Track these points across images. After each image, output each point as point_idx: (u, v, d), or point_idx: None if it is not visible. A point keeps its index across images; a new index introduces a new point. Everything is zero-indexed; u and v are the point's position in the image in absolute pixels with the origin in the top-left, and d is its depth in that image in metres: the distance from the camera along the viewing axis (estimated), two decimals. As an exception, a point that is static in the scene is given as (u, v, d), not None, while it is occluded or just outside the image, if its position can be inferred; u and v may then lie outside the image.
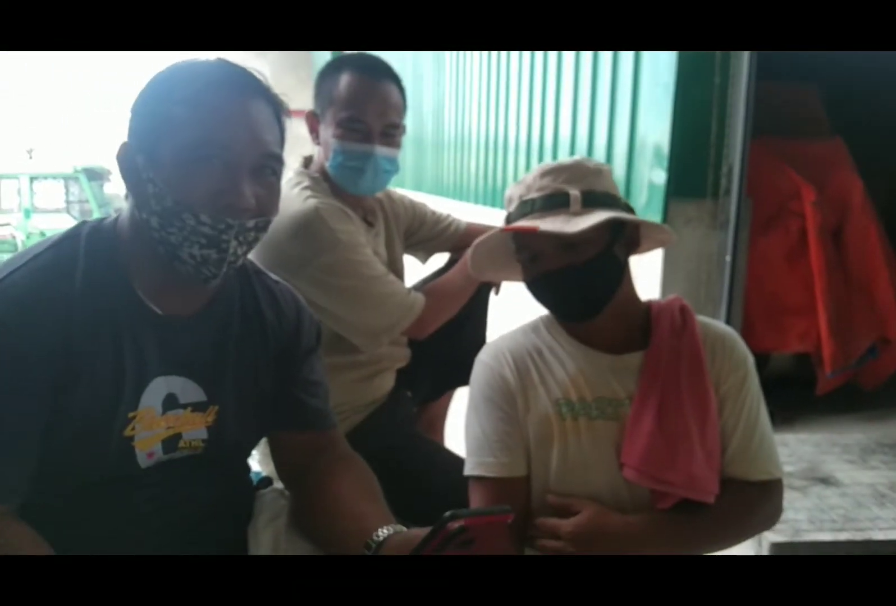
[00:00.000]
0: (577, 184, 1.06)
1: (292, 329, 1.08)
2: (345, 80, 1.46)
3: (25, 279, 0.85)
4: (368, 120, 1.45)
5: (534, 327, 1.19)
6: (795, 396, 3.08)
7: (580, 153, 3.40)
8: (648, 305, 1.17)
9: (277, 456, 1.10)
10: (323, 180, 1.52)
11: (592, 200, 1.05)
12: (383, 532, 0.90)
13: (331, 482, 1.02)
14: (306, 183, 1.48)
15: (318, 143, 1.53)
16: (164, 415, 0.94)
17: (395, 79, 1.51)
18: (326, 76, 1.50)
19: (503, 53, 4.37)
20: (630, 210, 1.11)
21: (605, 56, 3.12)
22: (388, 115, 1.48)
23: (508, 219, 1.11)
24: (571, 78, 3.44)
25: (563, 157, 3.59)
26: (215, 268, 0.90)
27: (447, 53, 5.61)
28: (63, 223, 8.61)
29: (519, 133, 4.12)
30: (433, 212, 1.80)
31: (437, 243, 1.82)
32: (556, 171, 1.08)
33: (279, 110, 0.94)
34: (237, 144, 0.87)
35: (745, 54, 2.68)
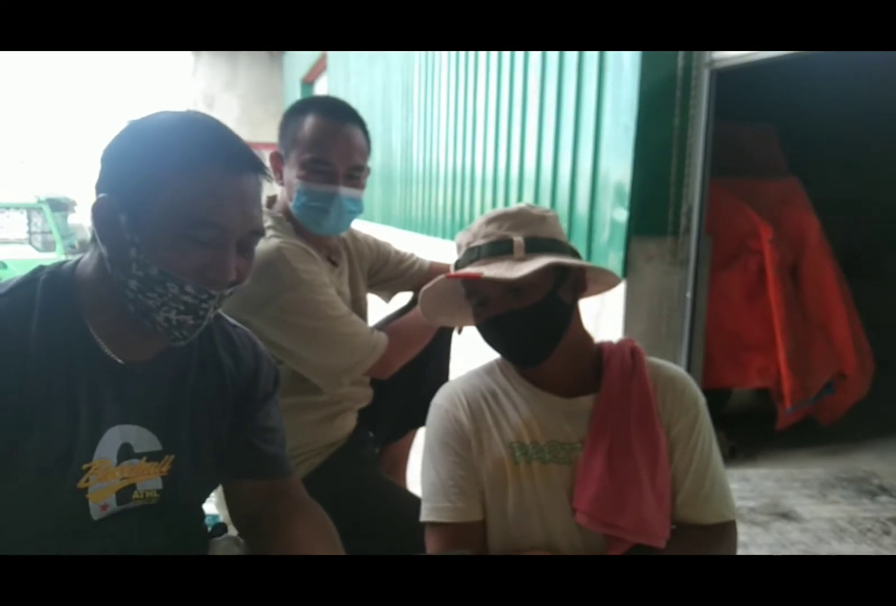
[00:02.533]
0: (521, 231, 1.09)
1: (250, 374, 1.07)
2: (310, 122, 1.48)
3: None
4: (333, 161, 1.47)
5: (489, 369, 1.20)
6: (756, 431, 3.12)
7: (545, 189, 3.46)
8: (600, 347, 1.19)
9: (232, 503, 1.08)
10: (286, 220, 1.52)
11: (536, 246, 1.08)
12: None
13: (287, 529, 1.01)
14: (269, 222, 1.48)
15: (282, 184, 1.54)
16: (118, 466, 0.92)
17: (360, 122, 1.53)
18: (291, 118, 1.51)
19: (470, 90, 4.45)
20: (576, 254, 1.13)
21: (569, 98, 3.20)
22: (353, 157, 1.49)
23: (457, 266, 1.13)
24: (536, 118, 3.51)
25: (517, 202, 3.64)
26: (189, 332, 0.91)
27: (416, 91, 5.70)
28: (25, 253, 8.48)
29: (485, 169, 4.18)
30: (397, 252, 1.81)
31: (401, 282, 1.83)
32: (500, 219, 1.11)
33: (264, 180, 0.94)
34: (230, 224, 0.87)
35: (704, 95, 2.76)
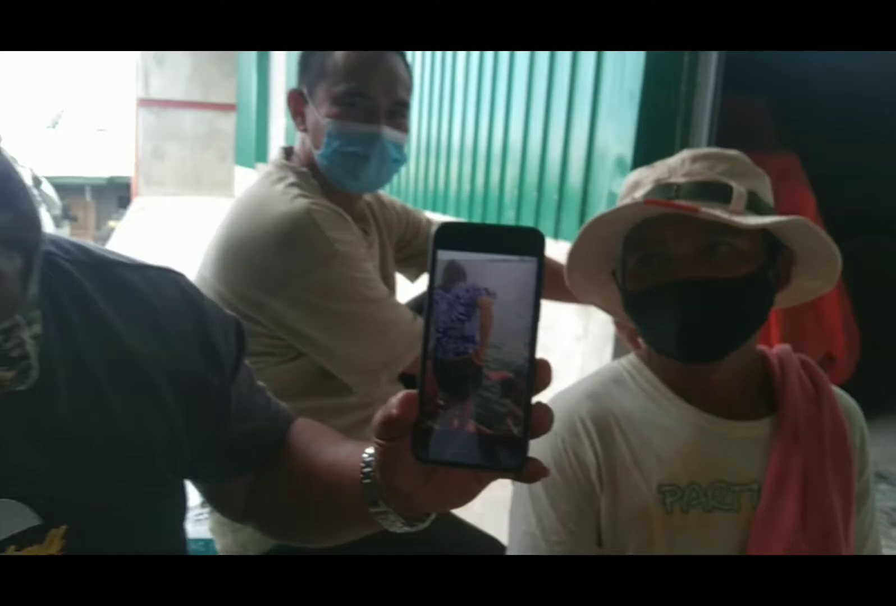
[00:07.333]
0: (741, 181, 0.83)
1: (188, 340, 0.71)
2: None
3: None
4: (373, 94, 1.18)
5: (616, 378, 0.90)
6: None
7: (533, 161, 3.21)
8: (762, 355, 0.93)
9: (242, 502, 0.81)
10: (311, 176, 1.22)
11: (757, 206, 0.82)
12: (369, 451, 0.62)
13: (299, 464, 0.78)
14: (292, 179, 1.18)
15: (305, 129, 1.24)
16: None
17: (401, 52, 1.24)
18: (317, 48, 1.21)
19: (450, 52, 4.15)
20: None
21: (564, 56, 2.96)
22: (397, 90, 1.21)
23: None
24: (524, 82, 3.25)
25: (499, 176, 3.37)
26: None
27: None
28: None
29: (464, 138, 3.89)
30: (428, 221, 1.52)
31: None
32: (713, 158, 0.85)
33: None
34: None
35: (713, 61, 2.58)
